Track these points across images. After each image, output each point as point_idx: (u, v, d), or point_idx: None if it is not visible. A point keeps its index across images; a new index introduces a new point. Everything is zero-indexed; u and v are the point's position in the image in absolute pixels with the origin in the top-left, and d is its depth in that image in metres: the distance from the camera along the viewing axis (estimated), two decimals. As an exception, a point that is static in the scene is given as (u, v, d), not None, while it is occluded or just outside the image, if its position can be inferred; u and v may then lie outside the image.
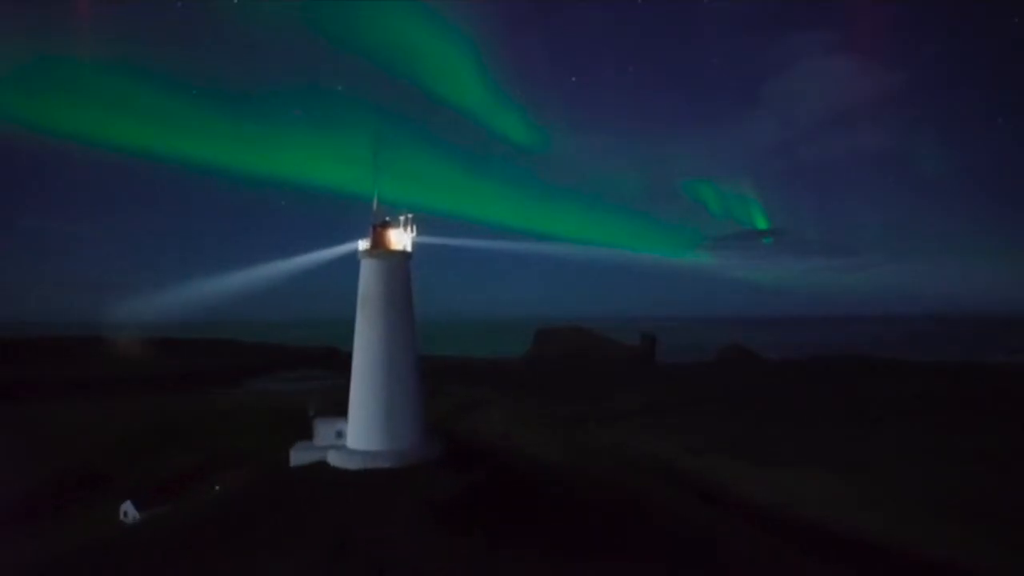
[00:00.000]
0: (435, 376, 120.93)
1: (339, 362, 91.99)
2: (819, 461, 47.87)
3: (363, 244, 30.58)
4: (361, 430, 28.87)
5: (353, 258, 31.39)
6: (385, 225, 30.88)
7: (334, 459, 28.69)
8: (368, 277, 30.23)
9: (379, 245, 30.41)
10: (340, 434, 30.09)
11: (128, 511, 37.52)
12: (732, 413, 74.22)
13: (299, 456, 30.15)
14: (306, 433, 33.56)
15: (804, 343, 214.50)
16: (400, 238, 30.92)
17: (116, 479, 49.66)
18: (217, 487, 40.69)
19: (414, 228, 31.25)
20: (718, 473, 46.43)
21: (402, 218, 31.08)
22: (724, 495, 41.62)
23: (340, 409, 31.97)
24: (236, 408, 76.79)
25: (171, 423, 65.27)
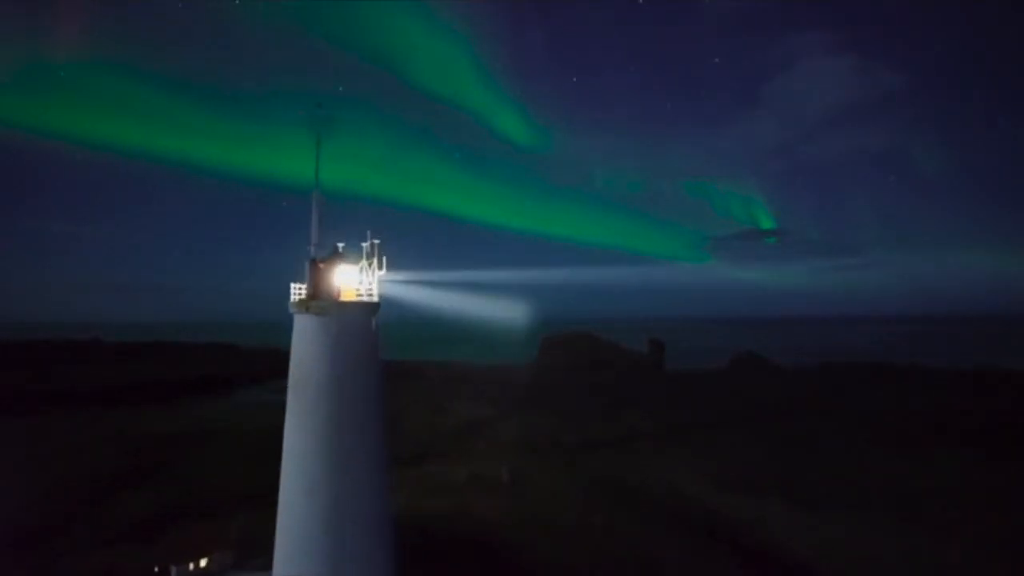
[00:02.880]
0: (431, 386, 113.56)
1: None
2: (880, 505, 40.97)
3: (296, 291, 18.04)
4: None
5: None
6: (333, 259, 18.38)
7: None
8: (304, 347, 17.51)
9: (322, 293, 17.86)
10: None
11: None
12: (760, 436, 67.05)
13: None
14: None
15: (815, 346, 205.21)
16: (360, 280, 18.50)
17: (54, 539, 44.21)
18: (156, 568, 34.09)
19: (383, 262, 18.77)
20: (767, 523, 38.31)
21: (364, 245, 18.61)
22: (790, 565, 33.15)
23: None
24: (222, 429, 70.25)
25: (145, 449, 60.57)
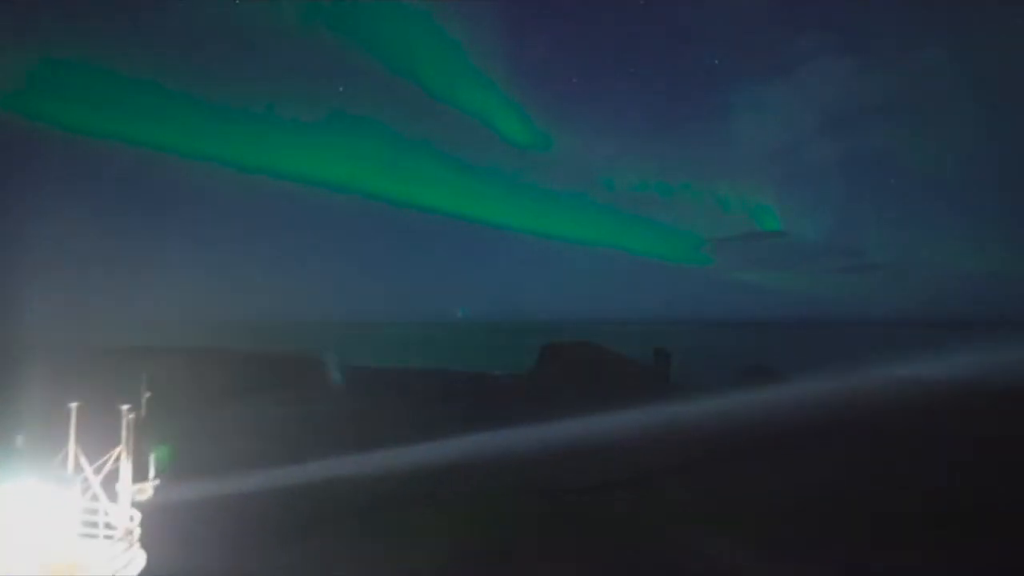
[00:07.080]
0: (415, 403, 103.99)
1: (315, 380, 70.04)
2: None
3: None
4: None
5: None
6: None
7: None
8: None
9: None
10: None
11: None
12: (793, 476, 58.16)
13: None
14: None
15: (825, 353, 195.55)
16: (80, 520, 6.85)
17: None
18: None
19: (164, 455, 7.01)
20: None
21: (124, 410, 6.96)
22: None
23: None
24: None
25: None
